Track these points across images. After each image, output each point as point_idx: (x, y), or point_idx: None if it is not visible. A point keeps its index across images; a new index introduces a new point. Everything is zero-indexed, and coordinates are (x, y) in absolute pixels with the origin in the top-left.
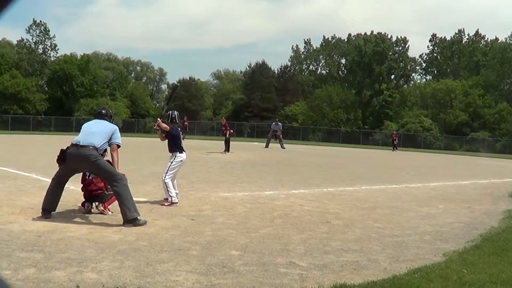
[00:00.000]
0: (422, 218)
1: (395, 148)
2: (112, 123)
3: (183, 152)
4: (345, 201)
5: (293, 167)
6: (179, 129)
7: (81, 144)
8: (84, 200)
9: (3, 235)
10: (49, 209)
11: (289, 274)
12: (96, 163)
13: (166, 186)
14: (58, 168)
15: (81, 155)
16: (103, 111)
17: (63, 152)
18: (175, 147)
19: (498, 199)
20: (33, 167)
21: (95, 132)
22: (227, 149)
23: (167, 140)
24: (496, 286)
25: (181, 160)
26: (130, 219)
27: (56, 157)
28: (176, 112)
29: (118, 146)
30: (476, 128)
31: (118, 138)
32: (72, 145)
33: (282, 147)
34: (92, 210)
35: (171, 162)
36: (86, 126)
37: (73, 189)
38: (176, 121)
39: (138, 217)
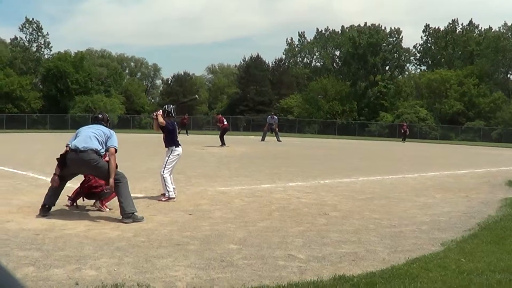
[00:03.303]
0: (419, 208)
1: (404, 139)
2: (108, 127)
3: (179, 146)
4: (342, 193)
5: (289, 160)
6: (175, 123)
7: (80, 149)
8: (73, 192)
9: (0, 234)
10: (48, 204)
11: (288, 267)
12: (97, 166)
13: (164, 181)
14: (59, 168)
15: (82, 160)
16: (100, 116)
17: (63, 158)
18: (171, 141)
19: (495, 187)
20: (29, 165)
21: (92, 136)
22: (223, 143)
23: (163, 135)
24: (495, 274)
25: (178, 154)
26: (128, 213)
27: (57, 164)
28: (172, 106)
29: (116, 151)
30: (471, 117)
31: (115, 142)
32: (71, 150)
33: (278, 140)
34: (90, 207)
35: (168, 157)
36: (82, 131)
37: (70, 186)
38: (172, 115)
39: (135, 213)
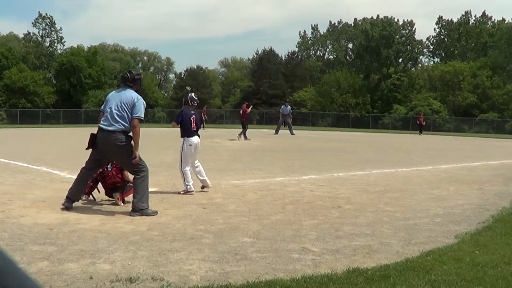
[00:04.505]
0: (433, 201)
1: (421, 132)
2: (139, 87)
3: (194, 136)
4: (356, 186)
5: (303, 153)
6: (193, 112)
7: (107, 129)
8: (90, 188)
9: (15, 229)
10: (72, 197)
11: (302, 260)
12: (122, 148)
13: (184, 175)
14: (90, 145)
15: (109, 140)
16: (126, 75)
17: (93, 137)
18: (184, 131)
19: (509, 180)
20: (43, 160)
21: (115, 114)
22: (244, 136)
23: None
24: (509, 266)
25: (191, 145)
26: (137, 208)
27: (87, 144)
28: (191, 95)
29: (140, 121)
30: (484, 109)
31: (139, 111)
32: (100, 130)
33: (292, 133)
34: (104, 202)
35: (182, 149)
36: (109, 102)
37: None
38: (190, 104)
39: (147, 208)
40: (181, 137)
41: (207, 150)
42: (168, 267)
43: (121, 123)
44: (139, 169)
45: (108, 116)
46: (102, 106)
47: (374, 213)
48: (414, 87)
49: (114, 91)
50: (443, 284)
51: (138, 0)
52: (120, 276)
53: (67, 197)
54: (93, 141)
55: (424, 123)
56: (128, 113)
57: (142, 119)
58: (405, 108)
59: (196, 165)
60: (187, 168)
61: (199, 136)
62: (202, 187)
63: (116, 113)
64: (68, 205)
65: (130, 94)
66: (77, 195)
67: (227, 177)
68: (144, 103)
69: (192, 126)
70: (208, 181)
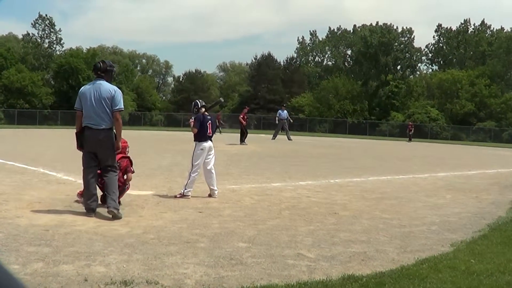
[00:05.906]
0: (429, 209)
1: (410, 139)
2: (111, 78)
3: (206, 141)
4: (353, 192)
5: (300, 159)
6: (209, 117)
7: (97, 128)
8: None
9: (10, 230)
10: (92, 208)
11: (297, 266)
12: (108, 145)
13: (188, 180)
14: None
15: (99, 139)
16: (99, 65)
17: (79, 137)
18: (199, 136)
19: (506, 188)
20: (40, 161)
21: (99, 109)
22: (241, 140)
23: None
24: (504, 275)
25: (202, 149)
26: (114, 209)
27: (76, 144)
28: (200, 100)
29: (120, 112)
30: (482, 118)
31: (119, 103)
32: (88, 128)
33: (289, 139)
34: (99, 204)
35: (193, 153)
36: (85, 101)
37: (80, 182)
38: (199, 110)
39: (119, 209)
40: (194, 141)
41: None
42: (163, 270)
43: (107, 119)
44: (112, 167)
45: (93, 114)
46: (77, 103)
47: (370, 220)
48: (412, 94)
49: (86, 86)
50: None
51: (137, 3)
52: (115, 279)
53: (87, 209)
54: (81, 141)
55: (412, 131)
56: (110, 111)
57: (123, 109)
58: (403, 115)
59: (212, 171)
60: (195, 175)
61: (212, 141)
62: (209, 195)
63: (101, 110)
64: (90, 215)
65: (107, 88)
66: (95, 205)
67: (223, 182)
68: (121, 92)
69: (208, 131)
70: (216, 192)
